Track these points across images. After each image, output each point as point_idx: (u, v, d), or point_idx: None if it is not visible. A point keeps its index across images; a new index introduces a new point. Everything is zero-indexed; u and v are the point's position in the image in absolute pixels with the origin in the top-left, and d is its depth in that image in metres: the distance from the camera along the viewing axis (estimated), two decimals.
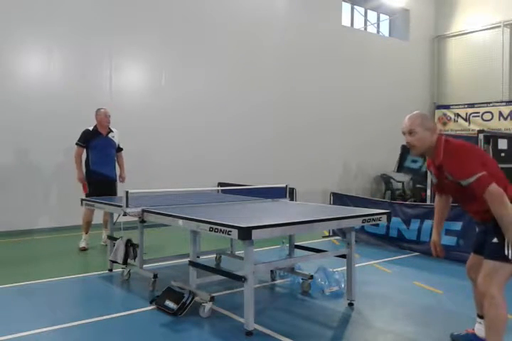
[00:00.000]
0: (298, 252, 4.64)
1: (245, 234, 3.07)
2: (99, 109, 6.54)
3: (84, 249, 6.27)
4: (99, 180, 6.37)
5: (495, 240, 2.79)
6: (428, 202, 7.34)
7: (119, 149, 6.72)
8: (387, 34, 13.75)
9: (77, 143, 6.46)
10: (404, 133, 2.93)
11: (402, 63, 13.25)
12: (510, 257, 2.73)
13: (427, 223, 5.99)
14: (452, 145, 2.85)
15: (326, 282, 4.33)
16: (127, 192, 4.17)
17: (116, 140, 6.61)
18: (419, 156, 2.93)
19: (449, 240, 5.67)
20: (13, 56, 7.71)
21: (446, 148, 2.85)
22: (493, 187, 2.68)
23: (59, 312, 3.85)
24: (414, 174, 10.29)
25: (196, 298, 3.78)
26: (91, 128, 6.48)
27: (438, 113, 13.69)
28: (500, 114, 12.38)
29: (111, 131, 6.57)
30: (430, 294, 4.36)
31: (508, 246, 2.74)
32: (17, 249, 6.52)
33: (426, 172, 7.97)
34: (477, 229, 3.08)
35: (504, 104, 12.31)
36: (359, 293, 4.17)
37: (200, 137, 9.52)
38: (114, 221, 5.08)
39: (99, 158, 6.42)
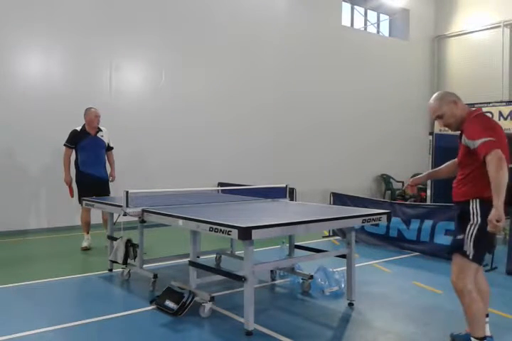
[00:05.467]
0: (298, 252, 4.64)
1: (245, 234, 3.07)
2: (88, 109, 6.40)
3: (86, 249, 6.27)
4: (90, 181, 6.27)
5: (459, 236, 2.94)
6: (428, 202, 7.33)
7: (110, 148, 6.60)
8: (387, 34, 13.75)
9: (65, 145, 6.37)
10: (435, 120, 3.13)
11: (402, 63, 13.25)
12: (468, 253, 2.89)
13: (427, 223, 6.00)
14: (478, 114, 3.02)
15: (326, 282, 4.33)
16: (127, 192, 4.16)
17: (105, 139, 6.49)
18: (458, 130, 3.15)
19: (450, 240, 5.66)
20: (12, 56, 7.70)
21: (474, 116, 2.99)
22: (498, 152, 2.77)
23: (59, 312, 3.85)
24: None
25: (196, 298, 3.78)
26: (79, 128, 6.36)
27: None
28: (500, 114, 12.36)
29: (100, 130, 6.45)
30: (430, 294, 4.36)
31: (466, 243, 2.89)
32: (13, 250, 6.50)
33: None
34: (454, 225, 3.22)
35: (504, 104, 12.28)
36: (359, 293, 4.17)
37: (201, 137, 9.52)
38: (114, 221, 5.08)
39: (88, 158, 6.32)
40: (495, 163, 2.74)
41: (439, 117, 3.07)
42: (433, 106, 3.08)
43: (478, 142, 2.80)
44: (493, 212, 2.73)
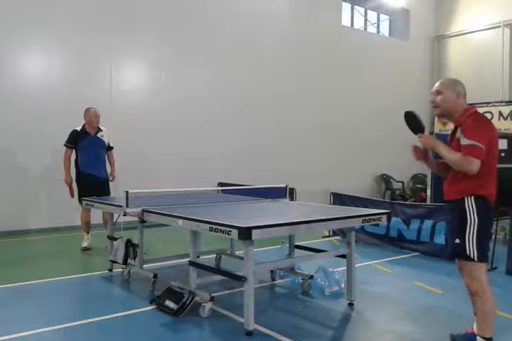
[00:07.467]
0: (298, 252, 4.64)
1: (245, 234, 3.07)
2: (88, 109, 6.41)
3: (86, 249, 6.27)
4: (90, 181, 6.27)
5: (457, 241, 2.91)
6: (428, 202, 7.33)
7: (110, 148, 6.61)
8: (387, 34, 13.75)
9: (65, 145, 6.37)
10: (432, 94, 3.06)
11: (402, 63, 13.25)
12: (472, 256, 2.86)
13: (427, 223, 6.00)
14: (481, 115, 2.99)
15: (326, 282, 4.33)
16: (127, 192, 4.16)
17: (105, 139, 6.50)
18: (441, 117, 3.17)
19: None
20: (13, 56, 7.71)
21: (473, 113, 2.96)
22: (475, 161, 2.77)
23: (59, 312, 3.85)
24: None
25: (196, 298, 3.78)
26: (79, 128, 6.37)
27: None
28: (500, 114, 12.35)
29: (100, 130, 6.46)
30: (430, 294, 4.36)
31: (469, 246, 2.86)
32: (13, 250, 6.50)
33: None
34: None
35: (504, 104, 12.28)
36: (359, 293, 4.17)
37: (200, 137, 9.52)
38: (114, 221, 5.08)
39: (88, 158, 6.32)
40: (464, 162, 2.77)
41: (438, 93, 3.01)
42: (442, 83, 3.04)
43: (467, 142, 2.80)
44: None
